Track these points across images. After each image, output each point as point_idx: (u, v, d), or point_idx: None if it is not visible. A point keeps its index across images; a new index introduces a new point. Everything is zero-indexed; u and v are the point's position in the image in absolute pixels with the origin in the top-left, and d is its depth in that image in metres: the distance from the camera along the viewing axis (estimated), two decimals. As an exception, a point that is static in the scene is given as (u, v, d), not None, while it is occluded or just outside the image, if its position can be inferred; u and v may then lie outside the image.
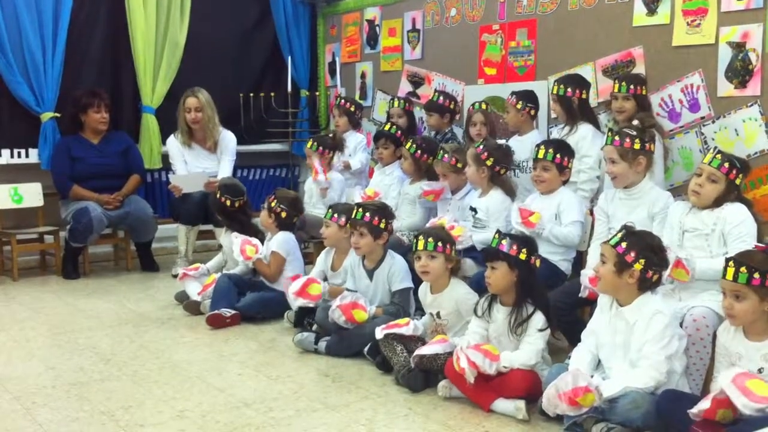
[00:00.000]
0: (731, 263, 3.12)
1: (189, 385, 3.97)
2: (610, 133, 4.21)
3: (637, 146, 4.07)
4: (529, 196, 4.71)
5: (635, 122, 4.24)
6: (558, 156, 4.46)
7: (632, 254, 3.32)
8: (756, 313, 3.09)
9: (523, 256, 3.71)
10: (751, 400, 2.88)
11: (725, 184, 3.72)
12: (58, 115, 6.80)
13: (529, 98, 5.35)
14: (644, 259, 3.33)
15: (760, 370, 3.08)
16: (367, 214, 4.49)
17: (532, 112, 5.37)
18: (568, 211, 4.46)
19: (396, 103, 6.36)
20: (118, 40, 7.20)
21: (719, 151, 3.80)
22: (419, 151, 5.41)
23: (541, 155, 4.49)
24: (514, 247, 3.70)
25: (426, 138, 5.73)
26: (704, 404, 2.97)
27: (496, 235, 3.77)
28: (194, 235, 6.72)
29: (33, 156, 6.87)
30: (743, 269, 3.07)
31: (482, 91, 6.17)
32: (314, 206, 6.07)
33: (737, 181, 3.74)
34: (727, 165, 3.71)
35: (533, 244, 3.83)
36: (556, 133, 5.22)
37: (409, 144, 5.48)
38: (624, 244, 3.33)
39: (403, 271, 4.52)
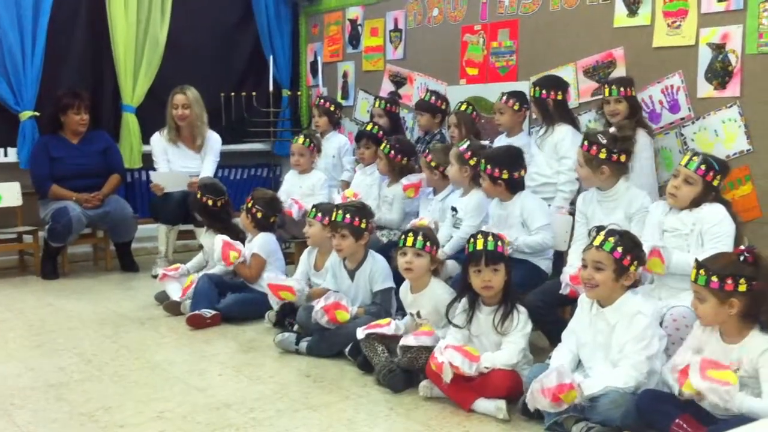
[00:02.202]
0: (695, 264, 3.14)
1: (169, 385, 3.95)
2: (584, 136, 4.23)
3: (602, 155, 4.08)
4: (491, 203, 4.70)
5: (612, 130, 4.24)
6: (488, 167, 4.46)
7: (628, 258, 3.34)
8: (719, 315, 3.10)
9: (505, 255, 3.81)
10: (707, 380, 2.95)
11: (702, 186, 3.74)
12: (37, 114, 6.75)
13: (524, 99, 5.36)
14: (637, 260, 3.38)
15: (734, 371, 3.09)
16: (348, 216, 4.47)
17: (527, 113, 5.39)
18: (532, 218, 4.44)
19: (377, 103, 6.36)
20: (99, 39, 7.16)
21: (695, 153, 3.82)
22: (393, 152, 5.43)
23: (482, 167, 4.52)
24: (503, 248, 3.78)
25: (401, 139, 5.73)
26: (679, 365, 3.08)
27: (490, 238, 3.74)
28: (174, 235, 6.68)
29: (12, 155, 6.82)
30: (702, 271, 3.09)
31: (464, 92, 6.18)
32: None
33: (715, 183, 3.75)
34: (703, 167, 3.72)
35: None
36: (534, 134, 5.24)
37: (383, 144, 5.50)
38: (620, 249, 3.33)
39: (385, 272, 4.52)
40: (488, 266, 3.70)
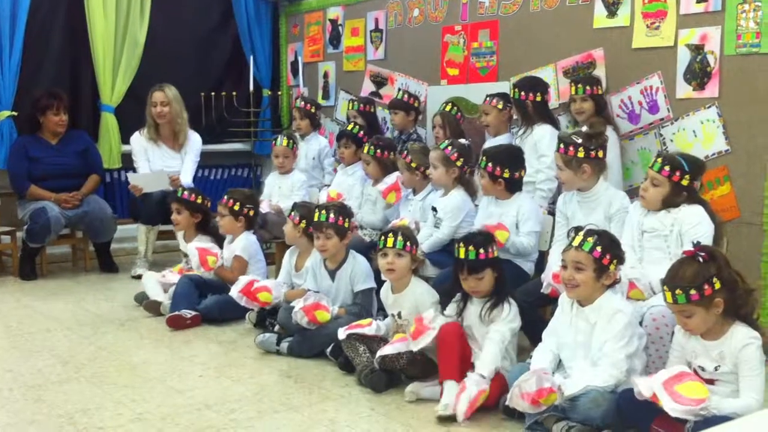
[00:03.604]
0: (666, 288, 3.12)
1: (149, 387, 3.92)
2: (559, 140, 4.25)
3: (581, 154, 4.09)
4: (483, 200, 4.70)
5: (584, 128, 4.27)
6: (489, 165, 4.44)
7: (607, 257, 3.35)
8: (708, 321, 3.10)
9: (496, 253, 3.81)
10: (680, 403, 2.94)
11: (669, 186, 3.76)
12: (15, 114, 6.70)
13: (507, 98, 5.36)
14: (616, 258, 3.39)
15: (716, 368, 3.12)
16: (332, 215, 4.47)
17: (511, 111, 5.41)
18: (526, 221, 4.44)
19: (350, 105, 6.38)
20: (77, 38, 7.12)
21: (660, 154, 3.85)
22: (379, 150, 5.41)
23: (482, 164, 4.52)
24: (490, 250, 3.76)
25: (380, 137, 5.72)
26: (646, 391, 3.04)
27: (471, 248, 3.72)
28: (154, 235, 6.63)
29: (-11, 155, 6.77)
30: (678, 291, 3.07)
31: (445, 92, 6.18)
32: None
33: (684, 183, 3.76)
34: (667, 168, 3.74)
35: (492, 239, 3.88)
36: (514, 135, 5.26)
37: (366, 147, 5.46)
38: (599, 248, 3.34)
39: (366, 272, 4.51)
40: (471, 275, 3.72)
